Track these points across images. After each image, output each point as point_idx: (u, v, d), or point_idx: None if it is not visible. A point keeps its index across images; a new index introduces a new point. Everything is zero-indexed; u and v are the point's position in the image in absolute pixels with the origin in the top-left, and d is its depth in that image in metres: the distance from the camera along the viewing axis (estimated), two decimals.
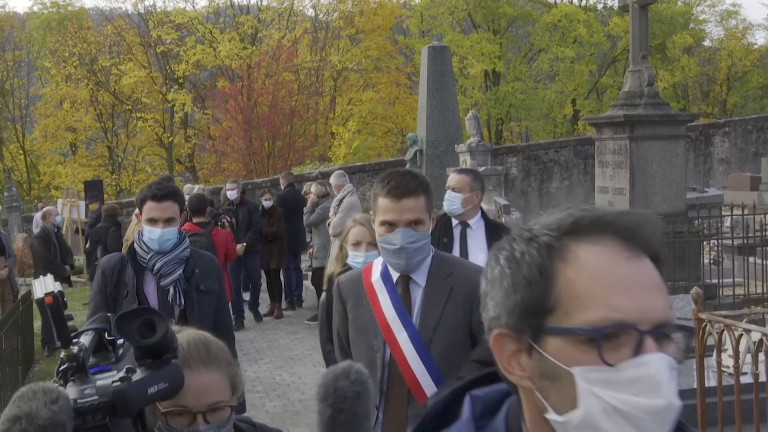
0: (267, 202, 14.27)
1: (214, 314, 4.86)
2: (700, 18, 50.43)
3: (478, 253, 5.67)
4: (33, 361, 12.29)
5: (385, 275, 3.67)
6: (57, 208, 14.01)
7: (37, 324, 13.03)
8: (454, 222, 6.10)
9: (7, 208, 25.77)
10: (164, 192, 4.63)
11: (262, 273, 14.49)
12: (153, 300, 4.66)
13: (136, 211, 4.94)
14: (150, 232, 4.62)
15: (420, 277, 3.65)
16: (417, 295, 3.64)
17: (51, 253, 12.77)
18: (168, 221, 4.61)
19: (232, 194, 13.63)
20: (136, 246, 4.73)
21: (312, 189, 14.31)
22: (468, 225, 6.08)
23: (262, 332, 13.37)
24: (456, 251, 5.79)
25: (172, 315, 4.61)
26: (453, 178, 6.22)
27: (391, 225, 3.54)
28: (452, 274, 3.66)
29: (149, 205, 4.62)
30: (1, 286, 13.01)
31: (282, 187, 16.02)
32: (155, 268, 4.67)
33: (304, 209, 14.02)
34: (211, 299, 4.86)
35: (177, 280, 4.71)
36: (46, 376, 11.52)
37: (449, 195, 6.14)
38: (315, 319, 13.63)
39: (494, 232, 5.93)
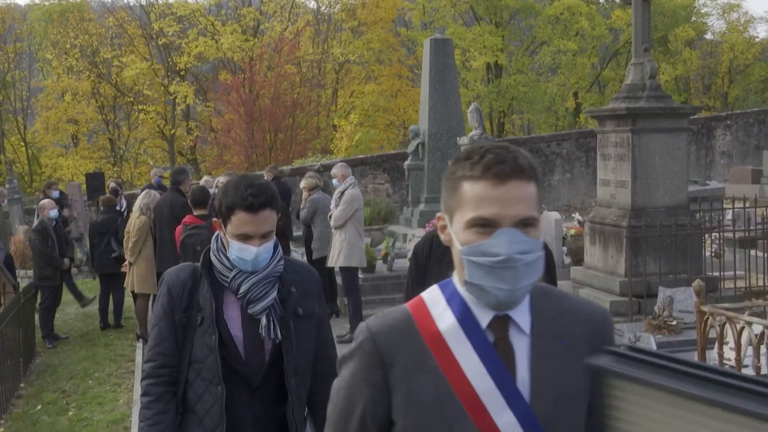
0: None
1: (315, 344, 3.77)
2: (702, 11, 50.37)
3: None
4: (34, 353, 12.31)
5: (467, 317, 2.23)
6: (51, 202, 13.81)
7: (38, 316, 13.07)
8: None
9: (9, 200, 25.76)
10: (262, 200, 3.47)
11: None
12: (237, 330, 3.61)
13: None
14: (241, 250, 3.52)
15: (522, 318, 2.23)
16: (522, 348, 2.23)
17: (48, 247, 12.67)
18: (266, 236, 3.53)
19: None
20: (213, 257, 3.66)
21: (302, 183, 14.14)
22: None
23: None
24: None
25: (262, 351, 3.62)
26: None
27: (487, 225, 2.15)
28: (564, 313, 2.30)
29: (241, 217, 3.48)
30: None
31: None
32: (241, 291, 3.58)
33: (300, 206, 13.91)
34: (311, 326, 3.75)
35: (270, 306, 3.61)
36: (47, 368, 11.54)
37: None
38: None
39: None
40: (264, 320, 3.58)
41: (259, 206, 3.46)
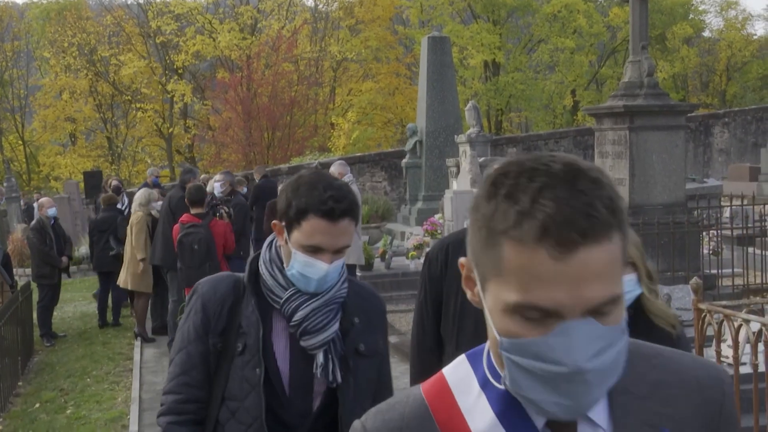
0: None
1: (375, 387, 3.01)
2: (700, 8, 50.43)
3: None
4: (32, 351, 12.30)
5: (512, 415, 1.46)
6: (50, 200, 13.77)
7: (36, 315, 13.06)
8: None
9: (7, 198, 25.75)
10: (344, 206, 2.74)
11: None
12: (284, 366, 2.86)
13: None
14: (307, 266, 2.77)
15: (599, 413, 1.45)
16: None
17: (46, 245, 12.63)
18: (340, 252, 2.81)
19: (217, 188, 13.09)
20: (264, 269, 2.90)
21: None
22: None
23: None
24: None
25: (311, 395, 2.91)
26: None
27: (544, 316, 1.35)
28: (662, 385, 1.52)
29: (315, 225, 2.73)
30: None
31: (257, 180, 16.35)
32: (296, 318, 2.81)
33: None
34: (372, 367, 3.00)
35: (331, 340, 2.88)
36: (45, 366, 11.54)
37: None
38: None
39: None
40: (321, 358, 2.85)
41: (340, 213, 2.72)
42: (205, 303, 2.89)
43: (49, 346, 12.61)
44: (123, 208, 15.06)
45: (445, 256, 4.02)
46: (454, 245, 4.01)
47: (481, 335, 1.40)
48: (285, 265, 2.84)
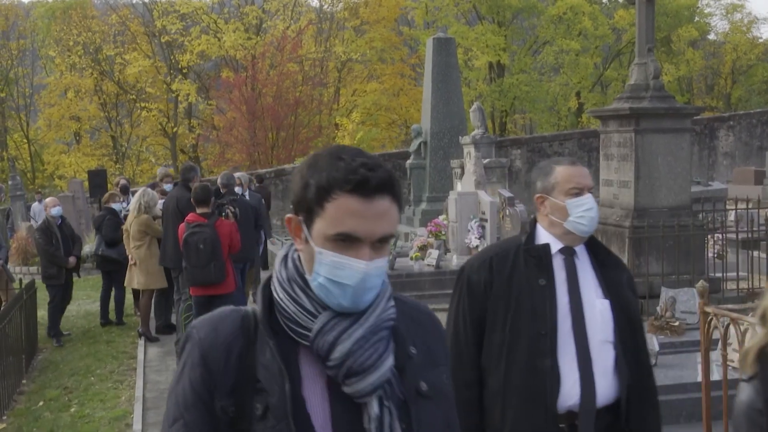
0: None
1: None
2: (706, 11, 50.33)
3: (594, 299, 3.56)
4: (36, 350, 12.30)
5: None
6: (54, 200, 13.67)
7: (41, 313, 13.06)
8: (553, 249, 3.60)
9: (12, 197, 25.81)
10: (382, 177, 2.03)
11: None
12: (324, 426, 2.06)
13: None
14: (337, 266, 2.02)
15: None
16: None
17: (53, 246, 12.51)
18: (382, 243, 2.06)
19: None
20: (280, 293, 2.11)
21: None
22: (574, 252, 3.63)
23: None
24: (563, 297, 3.52)
25: None
26: (581, 173, 3.62)
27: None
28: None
29: (343, 204, 2.01)
30: None
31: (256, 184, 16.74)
32: (335, 355, 2.03)
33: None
34: (438, 409, 2.21)
35: (386, 381, 2.09)
36: (49, 364, 11.54)
37: (587, 202, 3.58)
38: None
39: (605, 260, 3.71)
40: (374, 407, 2.06)
41: (377, 186, 1.99)
42: (204, 352, 2.06)
43: (58, 345, 12.56)
44: (128, 206, 15.06)
45: (488, 272, 3.48)
46: (499, 259, 3.51)
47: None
48: (308, 275, 2.06)
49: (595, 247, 3.69)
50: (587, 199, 3.55)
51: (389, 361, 2.07)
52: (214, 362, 2.06)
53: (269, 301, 2.13)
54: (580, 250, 3.64)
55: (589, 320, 3.51)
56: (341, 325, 2.03)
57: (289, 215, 2.13)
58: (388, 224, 2.05)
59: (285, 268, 2.13)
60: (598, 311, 3.52)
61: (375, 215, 2.00)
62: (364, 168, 2.00)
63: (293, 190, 2.10)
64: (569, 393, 3.44)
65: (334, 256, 2.00)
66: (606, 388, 3.49)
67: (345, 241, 2.00)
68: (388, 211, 2.04)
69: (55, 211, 12.87)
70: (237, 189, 13.20)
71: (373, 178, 2.00)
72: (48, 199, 13.55)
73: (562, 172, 3.58)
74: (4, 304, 12.72)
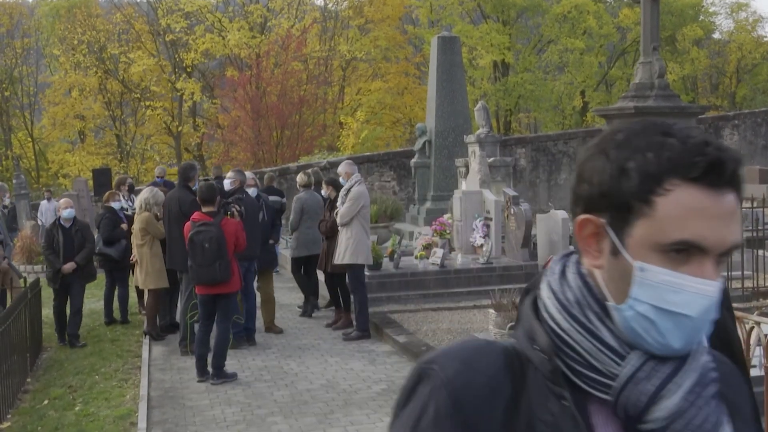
0: (325, 192, 13.16)
1: None
2: (710, 10, 50.29)
3: None
4: (41, 348, 12.31)
5: None
6: (68, 201, 13.39)
7: (46, 311, 13.06)
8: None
9: (16, 195, 25.83)
10: (735, 163, 1.39)
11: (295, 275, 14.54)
12: None
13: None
14: (670, 290, 1.39)
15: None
16: None
17: (51, 249, 12.23)
18: (724, 256, 1.44)
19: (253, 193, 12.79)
20: (564, 326, 1.47)
21: (297, 179, 14.33)
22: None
23: None
24: None
25: None
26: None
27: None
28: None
29: (688, 197, 1.37)
30: (4, 276, 12.96)
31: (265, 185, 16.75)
32: (658, 414, 1.41)
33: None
34: None
35: None
36: (54, 363, 11.55)
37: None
38: (330, 305, 13.68)
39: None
40: None
41: (731, 174, 1.39)
42: (458, 398, 1.42)
43: (66, 345, 12.39)
44: (133, 206, 15.06)
45: None
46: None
47: None
48: (611, 301, 1.45)
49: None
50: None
51: (727, 429, 1.45)
52: (474, 413, 1.42)
53: (551, 337, 1.47)
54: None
55: None
56: (663, 371, 1.42)
57: (584, 216, 1.48)
58: (738, 229, 1.44)
59: (567, 287, 1.50)
60: None
61: (725, 215, 1.39)
62: (715, 149, 1.38)
63: (586, 179, 1.46)
64: None
65: (668, 274, 1.39)
66: None
67: (682, 253, 1.39)
68: (737, 211, 1.43)
69: (67, 213, 12.51)
70: (252, 190, 12.87)
71: (728, 161, 1.38)
72: (62, 200, 13.12)
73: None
74: (10, 301, 12.72)
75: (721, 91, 50.67)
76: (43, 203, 23.68)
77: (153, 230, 12.26)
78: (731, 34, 50.72)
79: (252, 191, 13.69)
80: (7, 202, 14.86)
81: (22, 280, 12.93)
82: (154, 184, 16.67)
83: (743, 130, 31.05)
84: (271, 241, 13.06)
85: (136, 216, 12.59)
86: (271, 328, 12.65)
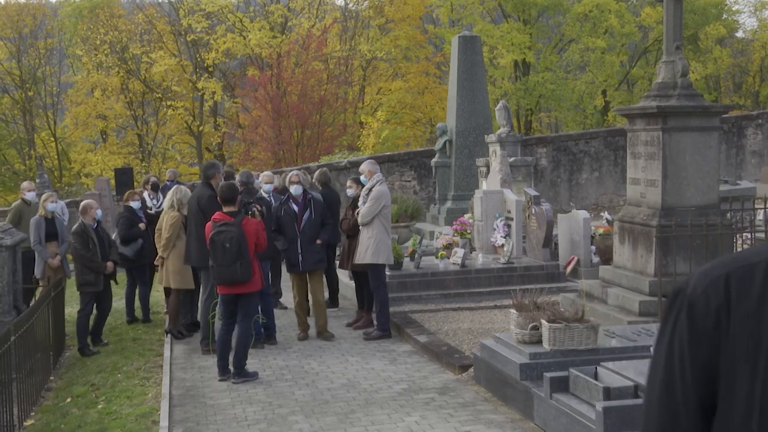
0: (350, 191, 13.13)
1: None
2: (734, 9, 50.12)
3: None
4: (64, 346, 12.38)
5: None
6: (97, 202, 13.27)
7: (68, 310, 13.13)
8: None
9: (38, 194, 25.96)
10: None
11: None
12: None
13: None
14: None
15: None
16: None
17: (89, 251, 12.01)
18: None
19: (297, 190, 12.32)
20: None
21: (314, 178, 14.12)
22: None
23: (291, 322, 13.41)
24: None
25: None
26: None
27: None
28: None
29: None
30: (56, 274, 12.97)
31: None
32: None
33: None
34: None
35: None
36: (76, 361, 11.61)
37: None
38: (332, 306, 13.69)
39: None
40: None
41: None
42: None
43: (91, 353, 12.19)
44: (159, 204, 15.10)
45: (724, 296, 1.99)
46: (740, 276, 1.99)
47: None
48: None
49: None
50: None
51: None
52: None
53: None
54: None
55: None
56: None
57: None
58: None
59: None
60: None
61: None
62: None
63: None
64: None
65: None
66: None
67: None
68: None
69: (99, 213, 12.42)
70: (295, 188, 12.31)
71: None
72: (88, 202, 12.77)
73: None
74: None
75: (745, 90, 50.32)
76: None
77: (177, 230, 12.29)
78: (755, 32, 50.37)
79: (267, 187, 13.78)
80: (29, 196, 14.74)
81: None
82: (166, 187, 16.70)
83: (767, 130, 30.84)
84: (318, 241, 12.22)
85: (164, 214, 12.61)
86: (322, 333, 12.19)
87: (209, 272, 10.56)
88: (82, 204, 12.67)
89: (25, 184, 15.73)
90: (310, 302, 12.56)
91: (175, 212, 12.36)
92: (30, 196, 14.96)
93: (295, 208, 12.15)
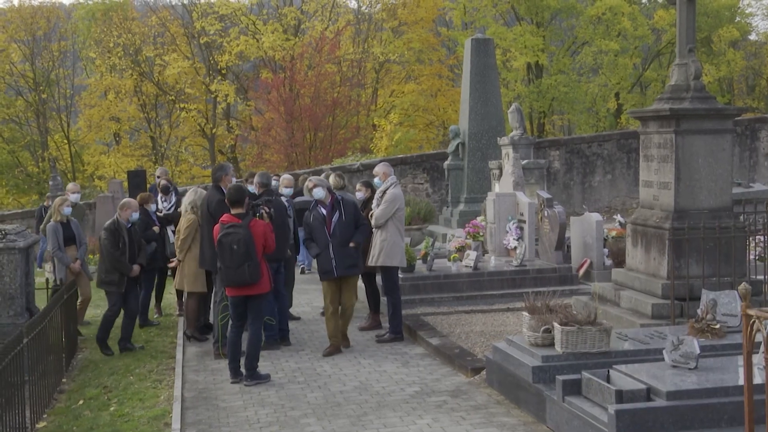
0: (359, 194, 12.92)
1: None
2: (747, 11, 49.73)
3: None
4: (76, 349, 12.40)
5: None
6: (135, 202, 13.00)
7: (92, 312, 13.13)
8: None
9: (51, 197, 26.05)
10: None
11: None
12: None
13: None
14: None
15: None
16: None
17: (119, 250, 11.82)
18: None
19: (318, 193, 11.59)
20: None
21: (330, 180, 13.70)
22: None
23: (303, 324, 13.40)
24: None
25: None
26: None
27: None
28: None
29: None
30: (77, 277, 12.97)
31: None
32: None
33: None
34: None
35: None
36: (89, 363, 11.63)
37: None
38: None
39: None
40: None
41: None
42: None
43: (110, 354, 12.04)
44: (170, 206, 15.11)
45: None
46: None
47: None
48: None
49: None
50: None
51: None
52: None
53: None
54: None
55: None
56: None
57: None
58: None
59: None
60: None
61: None
62: None
63: None
64: None
65: None
66: None
67: None
68: None
69: (134, 216, 12.27)
70: (316, 192, 11.64)
71: None
72: (127, 200, 12.61)
73: None
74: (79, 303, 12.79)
75: (758, 93, 50.11)
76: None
77: (193, 233, 12.28)
78: None
79: (287, 191, 13.76)
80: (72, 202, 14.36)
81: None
82: (153, 188, 16.63)
83: None
84: (351, 245, 11.46)
85: (182, 218, 12.58)
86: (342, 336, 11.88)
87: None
88: (122, 201, 12.56)
89: (70, 186, 15.76)
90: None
91: (191, 215, 12.34)
92: (74, 198, 14.83)
93: (323, 211, 11.48)
